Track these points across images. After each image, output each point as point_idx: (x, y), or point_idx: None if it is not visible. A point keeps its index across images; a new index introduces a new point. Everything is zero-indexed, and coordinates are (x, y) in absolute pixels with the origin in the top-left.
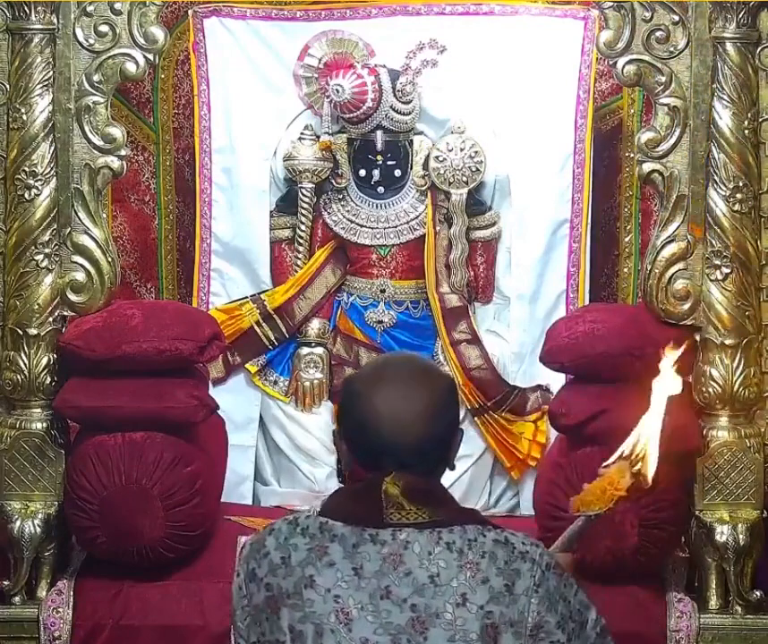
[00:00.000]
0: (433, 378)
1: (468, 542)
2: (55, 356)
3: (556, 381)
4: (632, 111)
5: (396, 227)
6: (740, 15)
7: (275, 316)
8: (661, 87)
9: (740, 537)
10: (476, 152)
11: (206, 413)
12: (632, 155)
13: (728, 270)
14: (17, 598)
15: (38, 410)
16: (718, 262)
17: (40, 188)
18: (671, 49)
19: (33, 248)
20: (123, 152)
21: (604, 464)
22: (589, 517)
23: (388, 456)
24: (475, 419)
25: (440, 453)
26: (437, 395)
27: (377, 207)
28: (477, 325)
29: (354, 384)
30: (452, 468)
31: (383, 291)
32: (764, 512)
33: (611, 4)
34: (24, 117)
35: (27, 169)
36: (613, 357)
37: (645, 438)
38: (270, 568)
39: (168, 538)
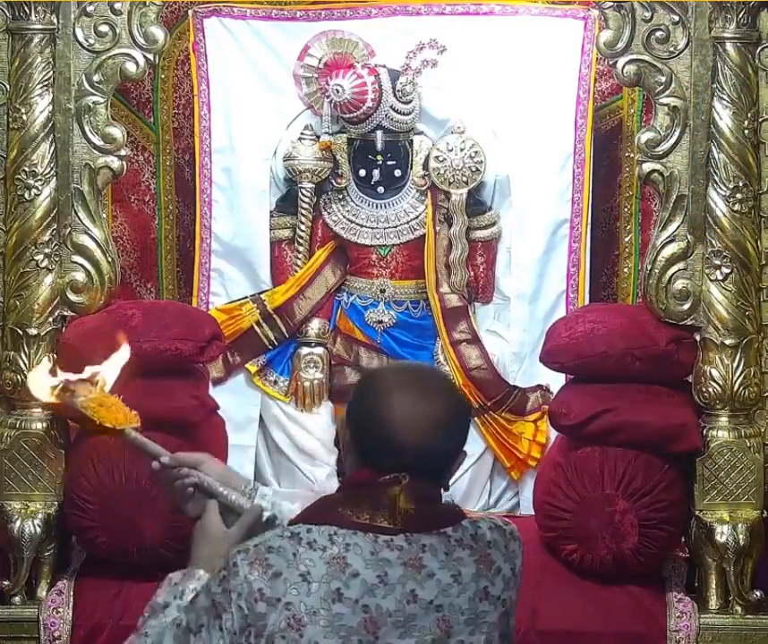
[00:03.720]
0: (452, 395)
1: (472, 537)
2: (55, 356)
3: (556, 381)
4: (632, 111)
5: (396, 227)
6: (740, 15)
7: (275, 316)
8: (661, 87)
9: (740, 537)
10: (476, 152)
11: (206, 413)
12: (632, 155)
13: (728, 270)
14: (17, 598)
15: (38, 410)
16: (718, 262)
17: (40, 188)
18: (671, 49)
19: (33, 248)
20: (123, 152)
21: (82, 398)
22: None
23: (392, 455)
24: (475, 419)
25: (442, 466)
26: (453, 411)
27: (377, 207)
28: (477, 325)
29: (375, 375)
30: (446, 488)
31: (383, 291)
32: (764, 512)
33: (611, 4)
34: (24, 117)
35: (27, 169)
36: (613, 357)
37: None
38: (288, 587)
39: (168, 538)
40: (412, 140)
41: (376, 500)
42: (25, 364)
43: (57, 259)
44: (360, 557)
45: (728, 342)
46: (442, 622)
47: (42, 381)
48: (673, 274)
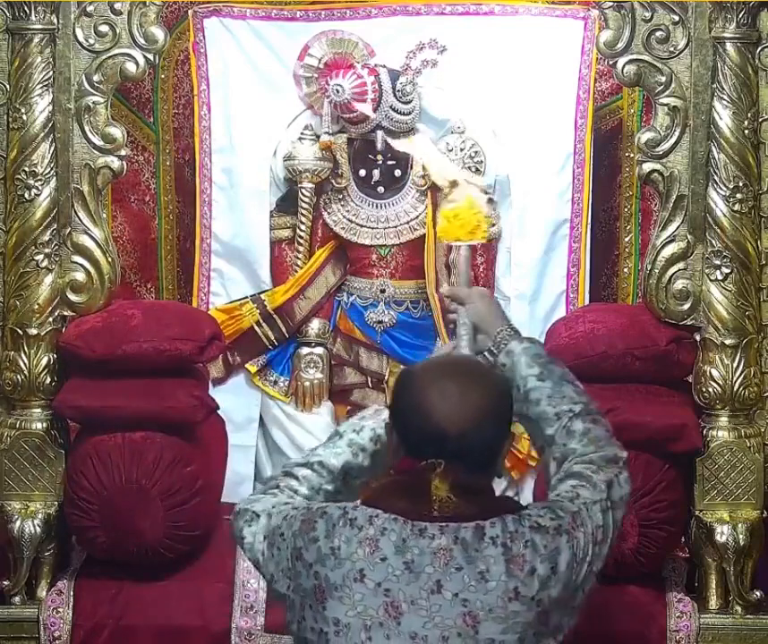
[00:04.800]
0: (490, 379)
1: (510, 535)
2: (55, 356)
3: None
4: (632, 111)
5: (396, 227)
6: (740, 15)
7: (275, 316)
8: (661, 87)
9: (740, 537)
10: (476, 152)
11: (206, 413)
12: (632, 155)
13: (728, 270)
14: (17, 598)
15: (38, 410)
16: (718, 262)
17: (40, 188)
18: (671, 49)
19: (33, 248)
20: (123, 152)
21: (449, 204)
22: (470, 246)
23: (435, 443)
24: None
25: (487, 451)
26: (492, 394)
27: (377, 207)
28: None
29: (412, 370)
30: (500, 474)
31: (383, 291)
32: (764, 512)
33: (611, 3)
34: (24, 117)
35: (27, 169)
36: (613, 357)
37: (451, 167)
38: (319, 557)
39: (168, 538)
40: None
41: (414, 486)
42: (25, 364)
43: (57, 259)
44: (391, 542)
45: (728, 342)
46: (468, 617)
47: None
48: (673, 274)
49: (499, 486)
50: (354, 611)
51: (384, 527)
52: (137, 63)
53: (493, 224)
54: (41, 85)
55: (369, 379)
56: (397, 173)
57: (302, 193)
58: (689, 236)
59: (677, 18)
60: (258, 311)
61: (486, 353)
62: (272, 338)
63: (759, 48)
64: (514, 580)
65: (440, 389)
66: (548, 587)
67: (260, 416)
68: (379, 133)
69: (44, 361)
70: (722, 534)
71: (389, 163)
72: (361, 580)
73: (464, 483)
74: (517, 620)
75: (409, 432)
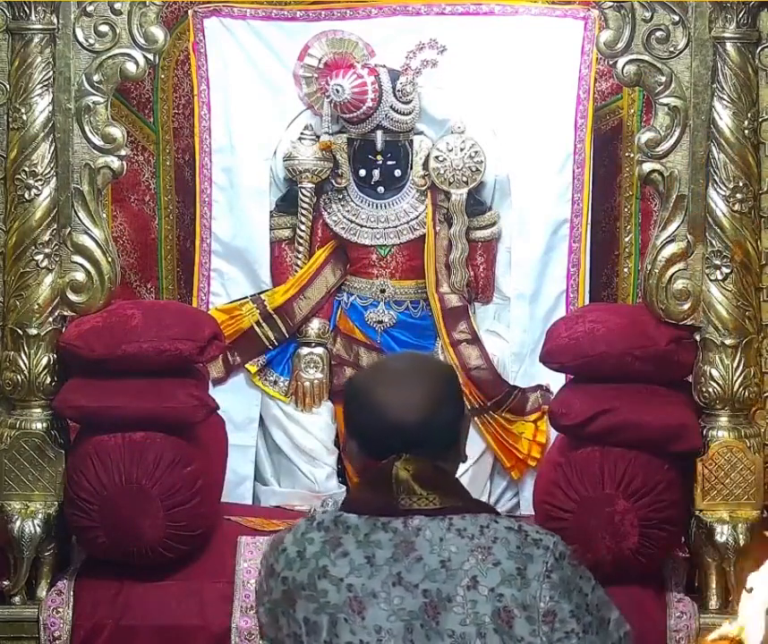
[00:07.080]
0: (433, 366)
1: (480, 528)
2: (55, 356)
3: (556, 381)
4: (632, 111)
5: (396, 227)
6: (740, 15)
7: (275, 316)
8: (661, 87)
9: (740, 537)
10: (476, 152)
11: (206, 413)
12: (632, 155)
13: (728, 270)
14: (17, 598)
15: (38, 410)
16: (718, 262)
17: (40, 188)
18: (671, 49)
19: (33, 248)
20: (123, 152)
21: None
22: None
23: (395, 437)
24: (475, 419)
25: (446, 436)
26: (437, 380)
27: (377, 207)
28: (477, 325)
29: (355, 379)
30: (464, 459)
31: (383, 291)
32: (764, 512)
33: (611, 3)
34: (24, 117)
35: (27, 169)
36: (613, 357)
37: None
38: (287, 562)
39: (168, 538)
40: (412, 140)
41: (379, 482)
42: (25, 364)
43: (57, 259)
44: (353, 538)
45: (728, 342)
46: (429, 607)
47: None
48: (673, 274)
49: (499, 486)
50: (320, 608)
51: (348, 525)
52: (137, 63)
53: None
54: (41, 85)
55: None
56: (397, 173)
57: (302, 193)
58: (689, 236)
59: (677, 18)
60: (258, 311)
61: None
62: (272, 338)
63: (759, 48)
64: (474, 569)
65: (390, 383)
66: (512, 585)
67: (260, 416)
68: (379, 133)
69: (44, 361)
70: (722, 534)
71: (389, 163)
72: (324, 576)
73: (431, 475)
74: (476, 611)
75: (368, 434)
